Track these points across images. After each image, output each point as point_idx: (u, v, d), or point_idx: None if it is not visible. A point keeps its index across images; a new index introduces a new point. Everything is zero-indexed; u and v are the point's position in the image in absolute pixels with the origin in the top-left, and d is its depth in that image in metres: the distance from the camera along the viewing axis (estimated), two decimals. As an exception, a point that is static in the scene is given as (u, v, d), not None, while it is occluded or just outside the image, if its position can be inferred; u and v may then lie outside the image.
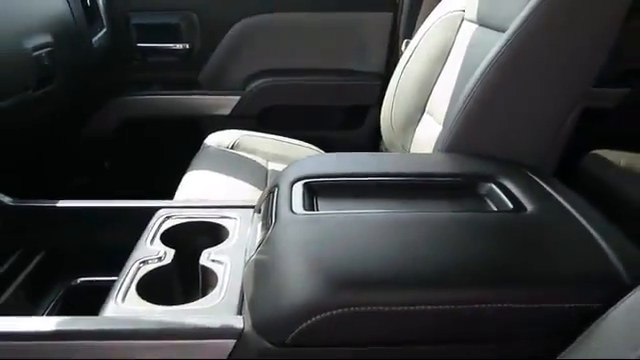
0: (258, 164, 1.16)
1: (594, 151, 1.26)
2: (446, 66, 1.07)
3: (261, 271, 0.53)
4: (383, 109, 1.18)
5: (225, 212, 0.75)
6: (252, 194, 0.96)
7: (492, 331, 0.49)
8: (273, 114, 1.50)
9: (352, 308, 0.46)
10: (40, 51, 1.00)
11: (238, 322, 0.52)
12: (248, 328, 0.51)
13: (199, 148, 1.23)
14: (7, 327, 0.52)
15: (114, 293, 0.58)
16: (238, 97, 1.50)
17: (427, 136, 1.02)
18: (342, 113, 1.53)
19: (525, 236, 0.56)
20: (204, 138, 1.26)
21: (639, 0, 0.80)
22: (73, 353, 0.51)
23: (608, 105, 1.42)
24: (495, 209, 0.62)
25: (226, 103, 1.50)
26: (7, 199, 0.79)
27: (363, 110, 1.50)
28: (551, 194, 0.64)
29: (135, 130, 1.48)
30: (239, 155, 1.19)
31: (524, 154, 0.76)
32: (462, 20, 1.07)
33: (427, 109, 1.09)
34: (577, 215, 0.58)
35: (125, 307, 0.56)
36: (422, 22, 1.19)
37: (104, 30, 1.36)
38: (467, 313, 0.47)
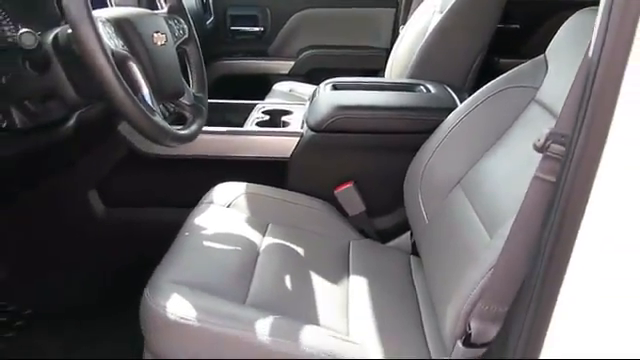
0: (306, 99, 1.81)
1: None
2: (423, 41, 1.68)
3: (312, 109, 1.24)
4: (387, 70, 1.80)
5: (291, 106, 1.45)
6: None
7: (411, 128, 1.16)
8: (315, 73, 2.14)
9: (346, 116, 1.15)
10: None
11: (300, 130, 1.23)
12: (305, 131, 1.21)
13: (268, 92, 1.91)
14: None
15: (242, 129, 1.29)
16: (293, 62, 2.19)
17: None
18: (361, 74, 2.09)
19: (426, 97, 1.27)
20: (271, 87, 1.94)
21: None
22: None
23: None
24: (418, 93, 1.32)
25: (285, 66, 2.18)
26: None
27: (375, 72, 2.11)
28: (449, 91, 1.32)
29: (226, 83, 2.12)
30: (294, 94, 1.87)
31: (451, 79, 1.41)
32: (434, 12, 1.71)
33: (410, 67, 1.73)
34: (453, 94, 1.26)
35: (251, 127, 1.28)
36: (412, 14, 1.83)
37: (212, 17, 2.06)
38: (405, 120, 1.16)
